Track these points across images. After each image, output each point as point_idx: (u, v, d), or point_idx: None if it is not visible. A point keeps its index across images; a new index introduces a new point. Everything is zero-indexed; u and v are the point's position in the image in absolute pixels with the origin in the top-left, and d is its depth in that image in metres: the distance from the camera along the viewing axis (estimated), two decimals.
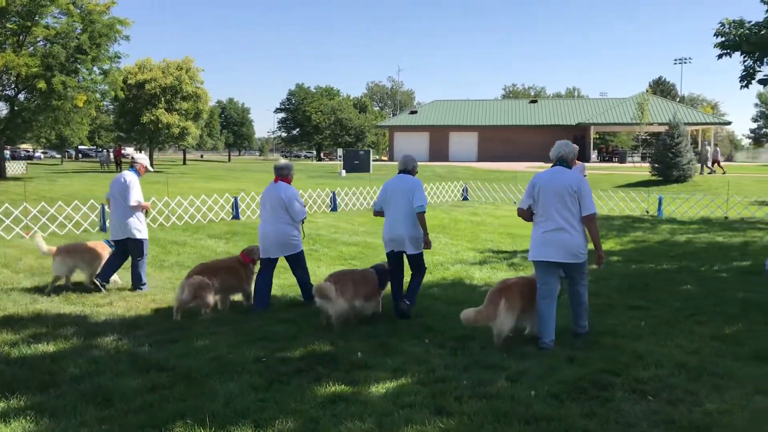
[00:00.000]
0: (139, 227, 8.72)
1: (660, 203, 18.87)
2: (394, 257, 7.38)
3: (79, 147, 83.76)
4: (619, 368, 5.42)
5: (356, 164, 42.82)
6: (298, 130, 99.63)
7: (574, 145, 6.46)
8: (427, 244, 7.22)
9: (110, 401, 4.78)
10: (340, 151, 50.92)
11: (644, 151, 51.05)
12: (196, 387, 5.07)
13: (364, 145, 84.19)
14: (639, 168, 38.05)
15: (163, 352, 5.96)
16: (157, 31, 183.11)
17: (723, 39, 18.67)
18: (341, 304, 6.72)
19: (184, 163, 67.71)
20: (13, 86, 31.98)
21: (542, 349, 5.98)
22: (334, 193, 20.27)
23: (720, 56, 18.88)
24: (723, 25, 18.68)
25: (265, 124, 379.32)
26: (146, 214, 9.12)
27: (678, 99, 75.53)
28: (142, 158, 9.01)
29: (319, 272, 9.60)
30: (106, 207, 14.84)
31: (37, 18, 30.13)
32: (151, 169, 9.23)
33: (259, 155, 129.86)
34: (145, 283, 8.72)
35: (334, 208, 19.74)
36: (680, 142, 28.74)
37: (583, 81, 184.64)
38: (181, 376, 5.30)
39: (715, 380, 5.18)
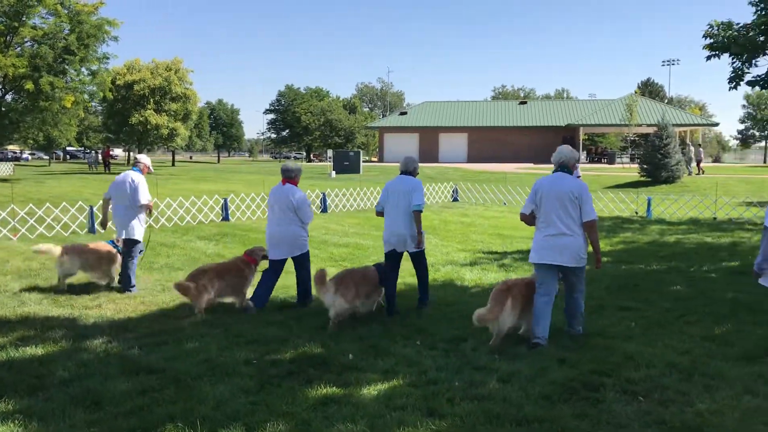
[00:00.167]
0: (139, 228, 8.75)
1: (649, 204, 19.00)
2: (393, 257, 7.50)
3: (67, 148, 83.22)
4: (610, 369, 5.44)
5: (346, 165, 42.76)
6: (287, 131, 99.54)
7: (576, 152, 6.53)
8: (420, 243, 7.32)
9: (100, 404, 4.75)
10: (329, 153, 50.82)
11: (633, 152, 51.34)
12: (187, 390, 5.04)
13: (353, 146, 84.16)
14: (628, 169, 38.25)
15: (153, 354, 5.92)
16: (146, 32, 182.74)
17: (712, 41, 18.79)
18: (341, 305, 6.78)
19: (173, 165, 67.41)
20: None
21: (535, 344, 6.02)
22: (324, 195, 20.24)
23: (709, 57, 19.00)
24: (712, 26, 18.81)
25: (254, 125, 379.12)
26: (149, 213, 9.16)
27: (666, 100, 75.87)
28: (145, 159, 9.07)
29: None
30: (95, 209, 14.78)
31: (24, 18, 29.96)
32: (152, 170, 9.29)
33: (249, 156, 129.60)
34: (134, 286, 8.67)
35: (324, 210, 19.70)
36: (669, 144, 28.95)
37: (573, 82, 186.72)
38: (171, 379, 5.26)
39: (705, 380, 5.21)
